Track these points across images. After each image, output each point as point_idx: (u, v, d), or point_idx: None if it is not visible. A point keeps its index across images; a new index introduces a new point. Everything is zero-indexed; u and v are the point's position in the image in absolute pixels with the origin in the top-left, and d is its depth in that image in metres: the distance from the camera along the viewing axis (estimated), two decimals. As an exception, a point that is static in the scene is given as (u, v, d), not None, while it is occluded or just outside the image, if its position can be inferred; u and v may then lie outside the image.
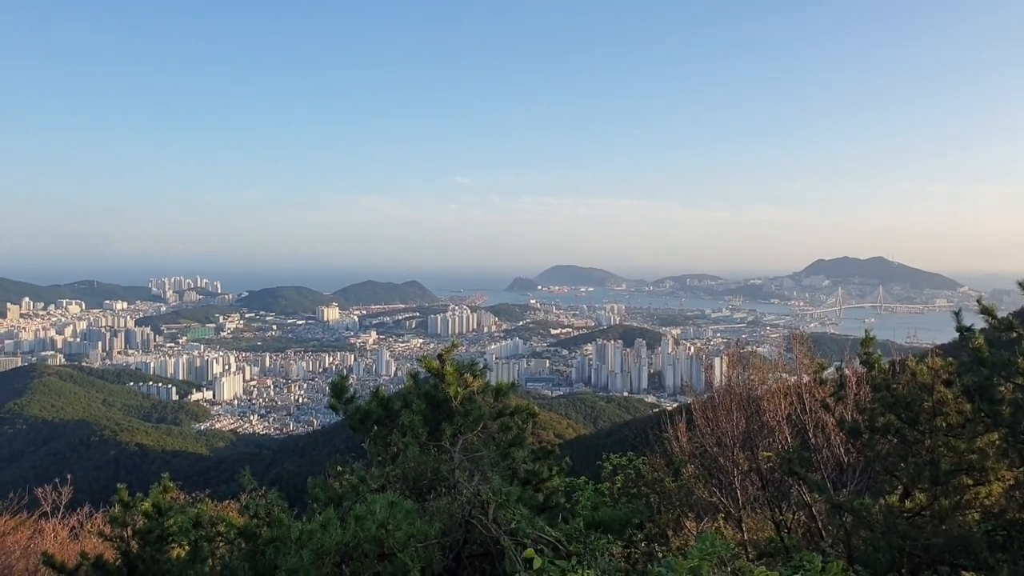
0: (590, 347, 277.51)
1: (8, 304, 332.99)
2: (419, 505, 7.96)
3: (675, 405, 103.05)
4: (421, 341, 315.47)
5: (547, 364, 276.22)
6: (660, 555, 8.09)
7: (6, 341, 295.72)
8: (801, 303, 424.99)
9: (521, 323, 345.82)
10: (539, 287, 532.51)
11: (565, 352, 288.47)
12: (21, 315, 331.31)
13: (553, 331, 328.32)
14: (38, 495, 20.70)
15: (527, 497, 8.72)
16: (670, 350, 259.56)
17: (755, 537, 13.17)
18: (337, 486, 9.64)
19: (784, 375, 15.18)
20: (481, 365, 12.90)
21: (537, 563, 5.89)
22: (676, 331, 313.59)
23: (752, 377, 14.64)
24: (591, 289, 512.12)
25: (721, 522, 13.25)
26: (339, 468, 10.50)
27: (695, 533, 12.37)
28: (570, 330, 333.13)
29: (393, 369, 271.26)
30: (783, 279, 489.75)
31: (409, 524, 6.65)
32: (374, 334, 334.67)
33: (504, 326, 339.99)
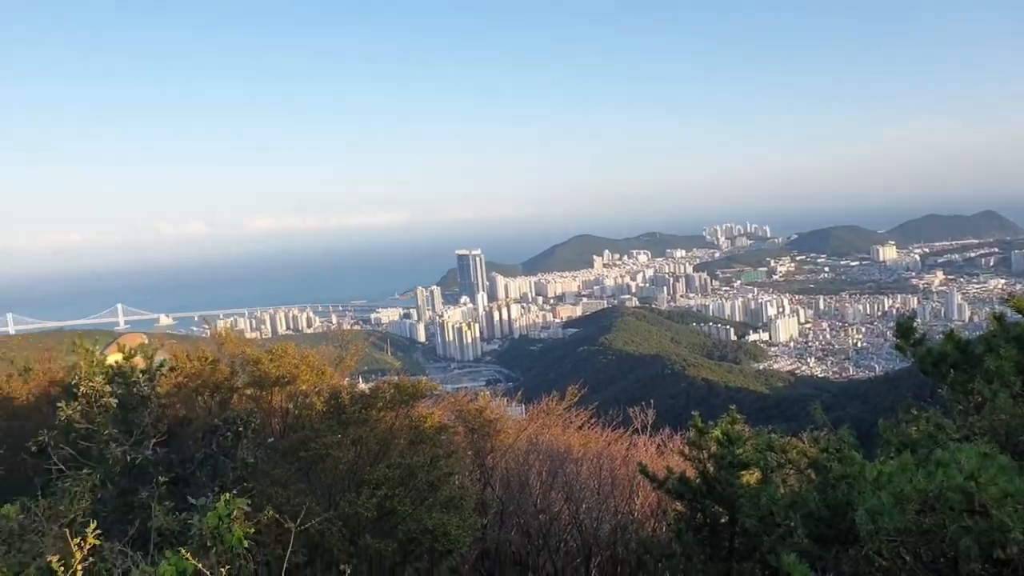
0: None
1: (594, 256, 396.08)
2: (1017, 463, 7.00)
3: None
4: (1003, 281, 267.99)
5: None
6: None
7: (594, 287, 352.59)
8: None
9: None
10: None
11: None
12: (604, 265, 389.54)
13: None
14: (630, 414, 24.44)
15: None
16: None
17: None
18: (912, 431, 9.08)
19: None
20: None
21: None
22: None
23: None
24: None
25: None
26: (913, 412, 9.85)
27: None
28: None
29: (967, 314, 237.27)
30: None
31: (1007, 481, 5.92)
32: (939, 274, 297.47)
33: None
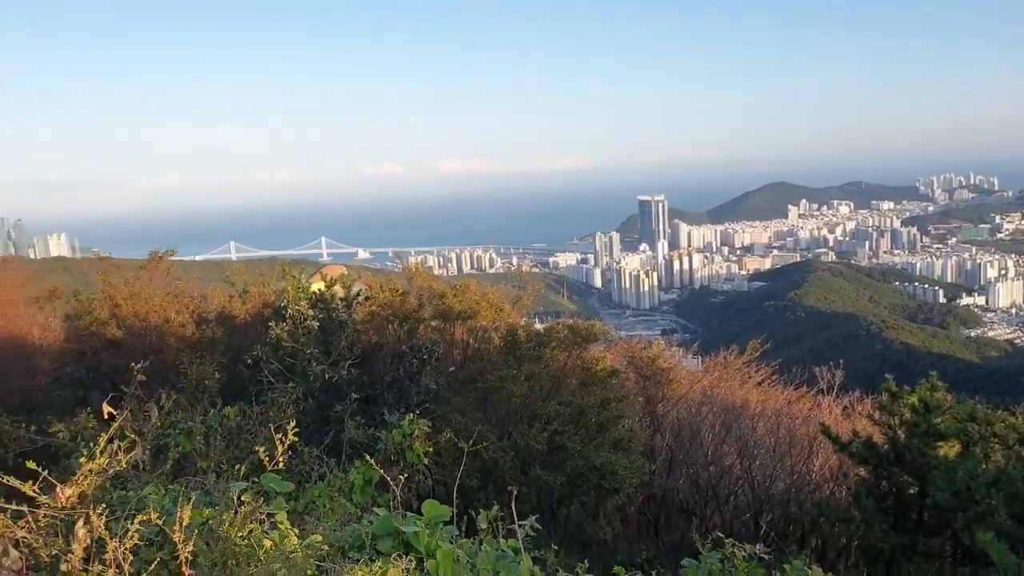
0: None
1: (788, 205, 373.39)
2: None
3: None
4: None
5: None
6: None
7: (787, 239, 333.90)
8: None
9: None
10: None
11: None
12: (799, 216, 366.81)
13: None
14: (816, 373, 23.21)
15: None
16: None
17: None
18: None
19: None
20: None
21: None
22: None
23: None
24: None
25: None
26: None
27: None
28: None
29: None
30: None
31: None
32: None
33: None
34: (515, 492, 4.63)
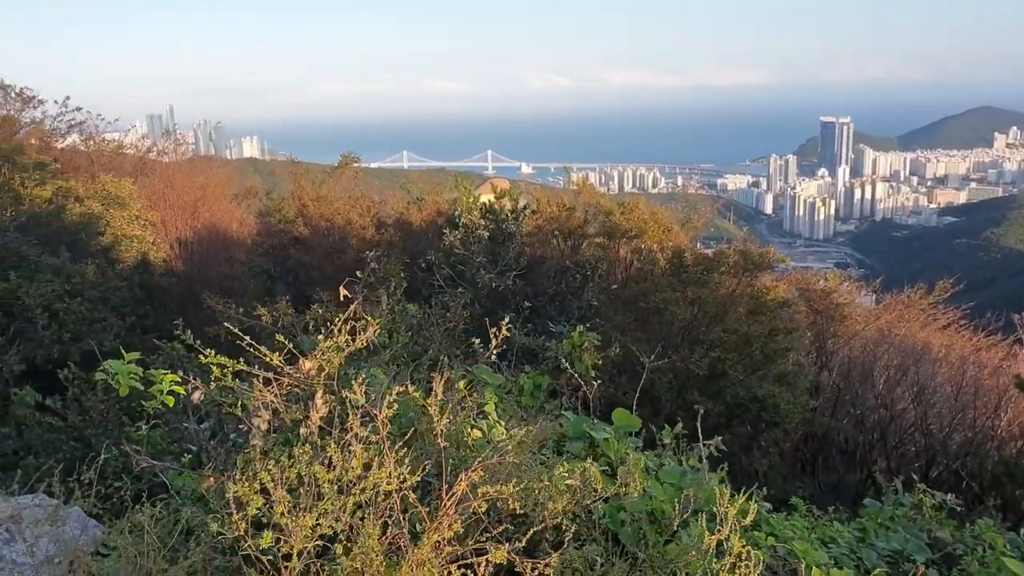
0: None
1: (995, 133, 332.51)
2: None
3: None
4: None
5: None
6: None
7: (989, 171, 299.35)
8: None
9: None
10: None
11: None
12: (1007, 145, 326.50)
13: None
14: (1013, 321, 21.16)
15: None
16: None
17: None
18: None
19: None
20: None
21: None
22: None
23: None
24: None
25: None
26: None
27: None
28: None
29: None
30: None
31: None
32: None
33: None
34: (701, 411, 4.65)
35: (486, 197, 22.18)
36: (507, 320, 5.49)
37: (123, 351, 4.39)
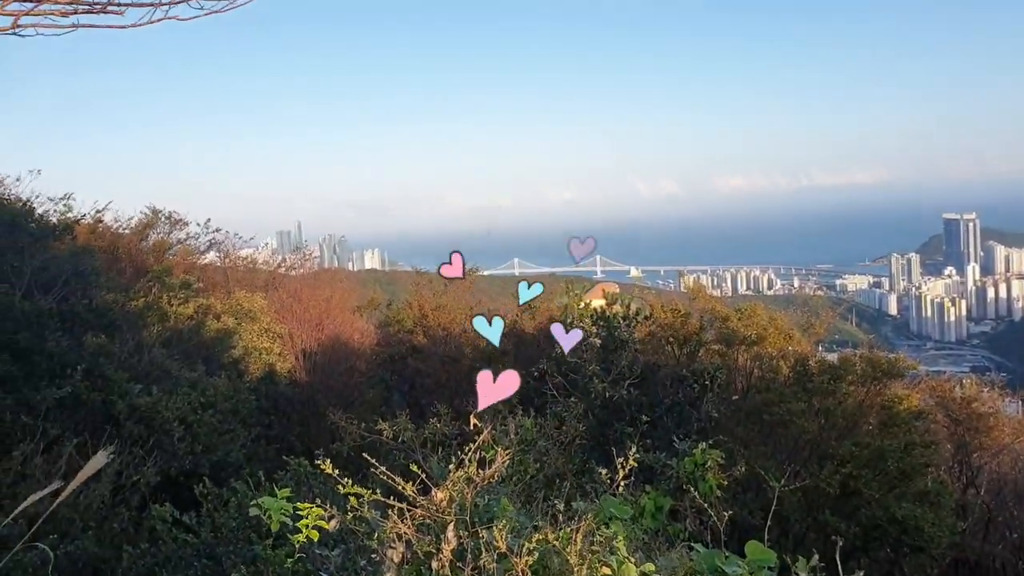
0: None
1: None
2: None
3: None
4: None
5: None
6: None
7: None
8: None
9: None
10: None
11: None
12: None
13: None
14: None
15: None
16: None
17: None
18: None
19: None
20: None
21: None
22: None
23: None
24: None
25: None
26: None
27: None
28: None
29: None
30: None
31: None
32: None
33: None
34: (839, 542, 4.32)
35: (597, 302, 22.22)
36: (629, 444, 5.36)
37: (263, 476, 4.59)
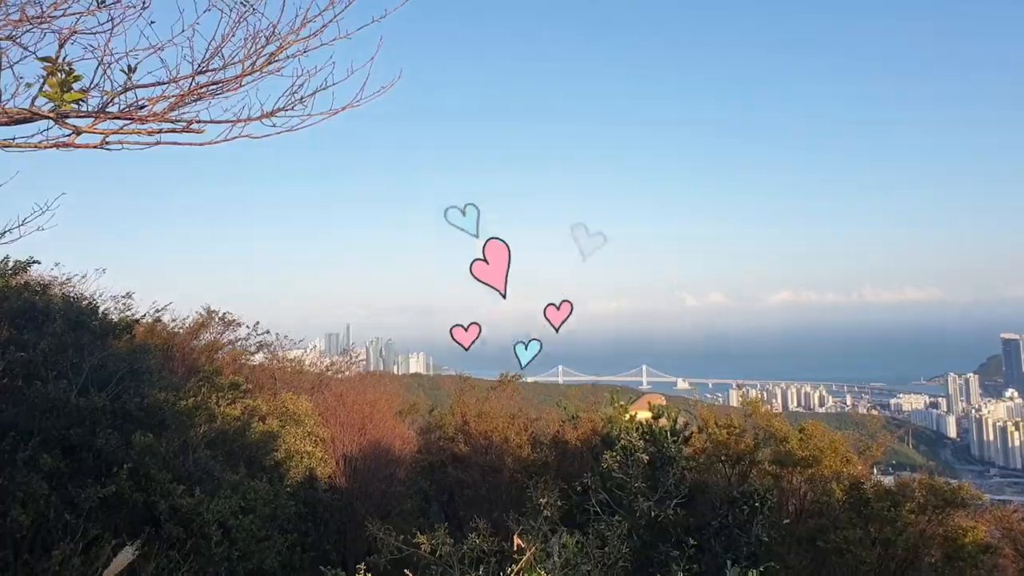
0: None
1: None
2: None
3: None
4: None
5: None
6: None
7: None
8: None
9: None
10: None
11: None
12: None
13: None
14: None
15: None
16: None
17: None
18: None
19: None
20: None
21: None
22: None
23: None
24: None
25: None
26: None
27: None
28: None
29: None
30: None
31: None
32: None
33: None
34: None
35: (642, 414, 21.72)
36: (675, 569, 5.14)
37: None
